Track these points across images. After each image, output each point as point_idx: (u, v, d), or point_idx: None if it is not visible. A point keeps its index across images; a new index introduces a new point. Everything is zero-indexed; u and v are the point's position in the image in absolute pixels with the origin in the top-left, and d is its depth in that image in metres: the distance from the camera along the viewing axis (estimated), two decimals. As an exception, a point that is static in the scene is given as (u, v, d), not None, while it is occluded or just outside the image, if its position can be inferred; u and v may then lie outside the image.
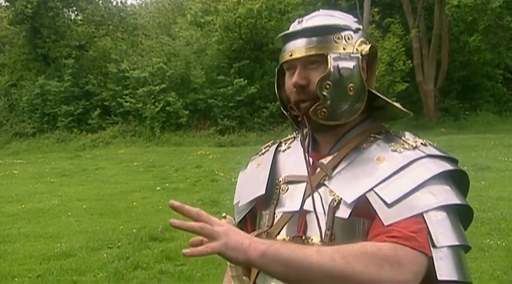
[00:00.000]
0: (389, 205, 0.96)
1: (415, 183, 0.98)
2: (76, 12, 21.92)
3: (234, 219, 1.17)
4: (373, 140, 1.09)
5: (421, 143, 1.06)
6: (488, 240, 4.77)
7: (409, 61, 16.06)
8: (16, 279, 4.57)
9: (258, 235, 1.11)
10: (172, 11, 24.83)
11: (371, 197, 0.98)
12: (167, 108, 17.19)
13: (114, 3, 22.80)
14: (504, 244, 4.69)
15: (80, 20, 21.49)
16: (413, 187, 0.97)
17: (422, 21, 17.60)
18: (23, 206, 7.88)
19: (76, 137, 18.15)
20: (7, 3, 20.74)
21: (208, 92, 17.18)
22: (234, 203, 1.25)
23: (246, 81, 16.94)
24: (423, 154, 1.03)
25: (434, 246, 0.92)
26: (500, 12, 15.08)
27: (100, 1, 22.10)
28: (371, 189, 0.99)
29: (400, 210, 0.95)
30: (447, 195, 0.99)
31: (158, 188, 8.98)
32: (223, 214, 1.12)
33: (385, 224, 0.94)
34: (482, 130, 15.19)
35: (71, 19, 21.51)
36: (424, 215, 0.94)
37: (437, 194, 0.97)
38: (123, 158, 13.68)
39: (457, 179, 1.04)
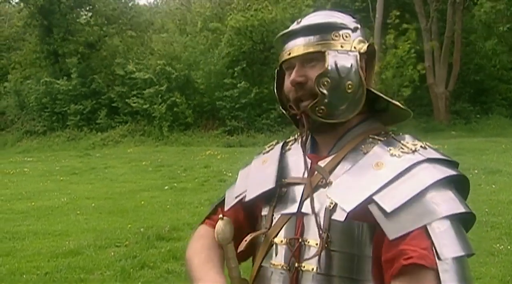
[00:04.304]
0: (388, 214, 0.95)
1: (415, 190, 0.96)
2: (87, 12, 22.12)
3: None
4: (371, 142, 1.08)
5: (421, 146, 1.04)
6: (498, 245, 4.70)
7: (420, 66, 15.81)
8: (24, 276, 4.60)
9: (256, 237, 1.11)
10: (181, 10, 24.91)
11: (371, 207, 0.97)
12: (175, 108, 17.29)
13: (123, 0, 22.96)
14: (514, 249, 4.63)
15: (90, 17, 21.69)
16: (413, 195, 0.96)
17: (434, 23, 17.48)
18: (33, 203, 7.94)
19: (86, 135, 18.30)
20: (20, 2, 20.99)
21: (217, 94, 17.24)
22: (235, 196, 1.20)
23: (254, 82, 16.98)
24: (423, 158, 1.01)
25: (438, 258, 0.91)
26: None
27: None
28: (370, 197, 0.97)
29: (403, 223, 0.94)
30: (451, 203, 0.97)
31: (166, 187, 9.01)
32: (220, 216, 1.11)
33: (390, 238, 0.93)
34: (493, 133, 15.04)
35: (82, 18, 21.71)
36: (428, 227, 0.93)
37: (440, 204, 0.95)
38: (132, 157, 13.75)
39: (458, 182, 1.03)
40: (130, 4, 23.31)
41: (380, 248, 0.97)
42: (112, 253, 5.11)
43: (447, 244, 0.93)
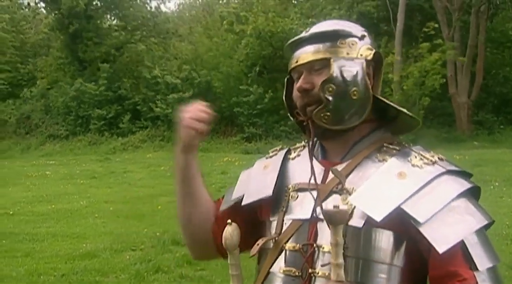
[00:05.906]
0: (422, 225, 0.97)
1: (442, 202, 0.99)
2: (114, 18, 22.60)
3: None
4: (387, 151, 1.09)
5: (438, 158, 1.07)
6: (518, 259, 4.58)
7: (442, 79, 15.46)
8: (41, 277, 4.70)
9: (265, 242, 1.10)
10: (204, 17, 25.21)
11: (401, 216, 0.98)
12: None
13: (148, 8, 23.38)
14: (535, 263, 4.49)
15: (116, 25, 22.14)
16: (441, 206, 0.98)
17: (457, 32, 17.24)
18: (53, 206, 8.09)
19: (107, 140, 18.57)
20: (47, 8, 21.54)
21: (234, 99, 17.33)
22: (233, 198, 1.23)
23: (268, 88, 17.05)
24: (443, 170, 1.04)
25: (476, 269, 0.95)
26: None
27: (137, 7, 22.68)
28: (399, 206, 0.98)
29: (445, 235, 0.96)
30: (477, 215, 1.00)
31: (183, 193, 9.05)
32: (228, 221, 1.11)
33: (441, 251, 0.95)
34: (517, 144, 14.69)
35: (109, 24, 22.19)
36: (464, 240, 0.97)
37: (470, 216, 0.99)
38: (151, 162, 13.89)
39: (473, 191, 1.05)
40: (153, 10, 23.69)
41: (414, 259, 1.01)
42: (128, 257, 5.18)
43: (482, 256, 0.97)
